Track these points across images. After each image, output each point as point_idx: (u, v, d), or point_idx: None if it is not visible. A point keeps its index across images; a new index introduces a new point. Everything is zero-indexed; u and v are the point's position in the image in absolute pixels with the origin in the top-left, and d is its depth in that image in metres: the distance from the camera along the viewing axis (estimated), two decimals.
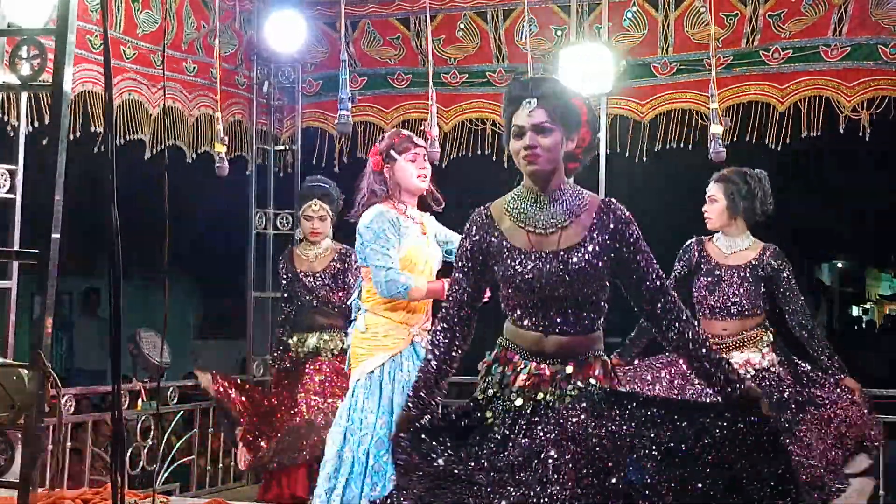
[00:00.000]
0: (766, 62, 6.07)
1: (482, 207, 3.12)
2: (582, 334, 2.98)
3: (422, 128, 6.30)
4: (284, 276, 5.92)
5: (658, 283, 2.99)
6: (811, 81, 5.97)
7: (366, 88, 6.93)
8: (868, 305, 22.59)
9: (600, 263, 2.94)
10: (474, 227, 3.08)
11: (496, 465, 2.87)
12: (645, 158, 6.28)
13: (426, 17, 6.12)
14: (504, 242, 3.01)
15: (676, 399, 2.93)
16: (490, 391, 3.04)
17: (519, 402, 2.95)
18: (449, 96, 6.69)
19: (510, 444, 2.90)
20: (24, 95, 4.84)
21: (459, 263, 3.13)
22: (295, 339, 5.79)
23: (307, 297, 5.79)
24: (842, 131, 5.91)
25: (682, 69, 6.27)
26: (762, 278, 4.80)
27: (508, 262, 2.99)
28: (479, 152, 6.69)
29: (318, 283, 5.76)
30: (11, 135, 5.08)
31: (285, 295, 5.94)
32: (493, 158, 6.58)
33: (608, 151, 6.31)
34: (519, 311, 3.02)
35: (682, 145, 6.23)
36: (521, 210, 3.02)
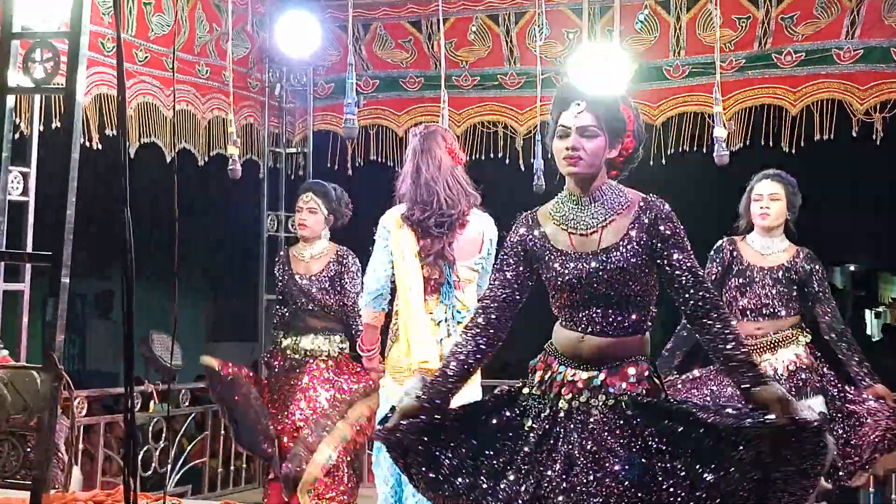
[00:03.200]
0: (778, 65, 6.07)
1: (528, 211, 3.13)
2: (620, 336, 2.95)
3: None
4: (280, 278, 5.57)
5: (692, 278, 2.92)
6: (824, 84, 5.97)
7: (378, 91, 6.95)
8: (881, 309, 22.46)
9: (640, 262, 2.93)
10: (520, 226, 3.09)
11: (525, 475, 2.88)
12: (664, 161, 6.27)
13: (438, 19, 6.12)
14: (547, 245, 3.02)
15: (706, 418, 2.79)
16: (529, 394, 3.02)
17: (549, 410, 2.93)
18: (461, 99, 6.69)
19: (544, 451, 2.89)
20: (38, 98, 4.86)
21: (499, 262, 3.12)
22: (289, 341, 5.44)
23: (302, 300, 5.43)
24: (854, 134, 5.90)
25: (694, 72, 6.26)
26: (795, 281, 4.70)
27: (551, 264, 3.00)
28: (491, 155, 6.69)
29: (314, 285, 5.41)
30: (26, 137, 5.10)
31: (280, 297, 5.59)
32: (506, 161, 6.59)
33: None
34: (562, 313, 3.03)
35: (693, 148, 6.22)
36: (564, 213, 3.03)
